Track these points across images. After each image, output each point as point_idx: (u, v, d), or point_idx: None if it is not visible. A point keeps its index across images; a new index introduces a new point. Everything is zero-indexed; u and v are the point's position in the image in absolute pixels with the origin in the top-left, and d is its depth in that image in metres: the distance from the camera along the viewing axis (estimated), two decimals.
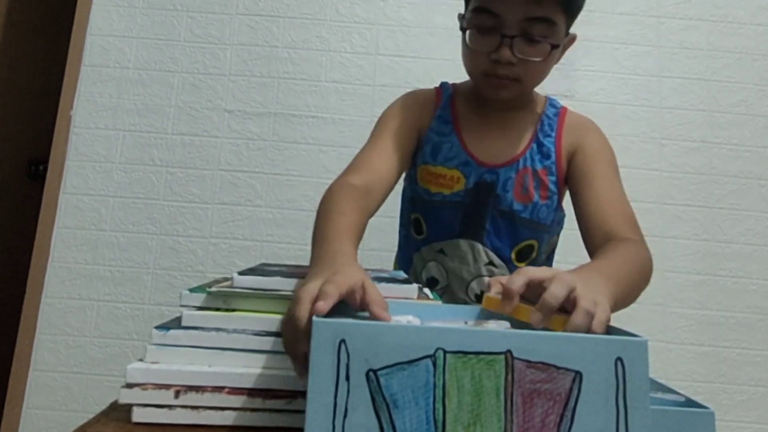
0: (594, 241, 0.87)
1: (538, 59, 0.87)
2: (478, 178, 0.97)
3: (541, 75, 0.93)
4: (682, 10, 1.90)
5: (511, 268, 0.99)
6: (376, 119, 1.01)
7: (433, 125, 1.00)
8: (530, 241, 1.00)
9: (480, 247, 0.98)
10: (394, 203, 1.03)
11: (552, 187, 0.98)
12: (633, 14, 1.90)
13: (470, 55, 0.91)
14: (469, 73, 0.95)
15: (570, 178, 0.97)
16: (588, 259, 0.83)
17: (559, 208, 1.01)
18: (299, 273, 0.63)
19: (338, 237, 0.69)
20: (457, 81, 1.05)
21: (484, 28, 0.87)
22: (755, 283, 1.78)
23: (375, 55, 1.85)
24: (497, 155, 0.98)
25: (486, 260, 0.99)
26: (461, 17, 0.94)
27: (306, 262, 0.83)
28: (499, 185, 0.97)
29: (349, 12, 1.87)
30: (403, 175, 1.04)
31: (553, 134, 0.99)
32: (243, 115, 1.82)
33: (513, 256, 1.00)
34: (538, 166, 0.98)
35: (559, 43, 0.89)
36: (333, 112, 1.83)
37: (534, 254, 1.01)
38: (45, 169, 1.81)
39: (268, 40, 1.86)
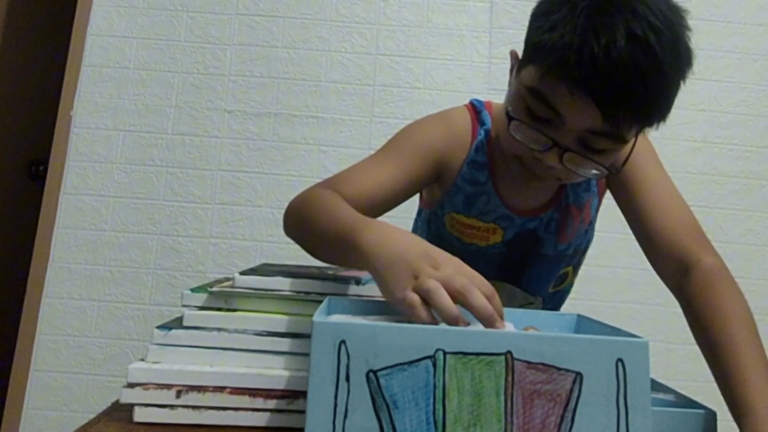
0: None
1: (587, 176, 0.71)
2: (519, 229, 0.86)
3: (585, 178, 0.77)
4: None
5: (546, 298, 0.93)
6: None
7: (464, 171, 0.83)
8: (567, 269, 0.92)
9: (518, 291, 0.90)
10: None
11: (594, 211, 0.89)
12: None
13: (507, 134, 0.72)
14: (503, 145, 0.78)
15: (611, 183, 0.84)
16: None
17: (596, 223, 0.93)
18: (300, 273, 0.63)
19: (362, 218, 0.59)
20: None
21: (535, 118, 0.68)
22: (755, 283, 1.78)
23: (375, 55, 1.85)
24: (537, 199, 0.85)
25: (521, 302, 0.90)
26: (516, 62, 0.73)
27: (305, 263, 0.82)
28: (542, 228, 0.86)
29: (349, 12, 1.87)
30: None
31: None
32: (243, 116, 1.82)
33: (550, 288, 0.93)
34: (583, 199, 0.86)
35: (618, 168, 0.72)
36: (333, 112, 1.82)
37: (568, 279, 0.94)
38: (45, 170, 1.81)
39: (268, 40, 1.86)
